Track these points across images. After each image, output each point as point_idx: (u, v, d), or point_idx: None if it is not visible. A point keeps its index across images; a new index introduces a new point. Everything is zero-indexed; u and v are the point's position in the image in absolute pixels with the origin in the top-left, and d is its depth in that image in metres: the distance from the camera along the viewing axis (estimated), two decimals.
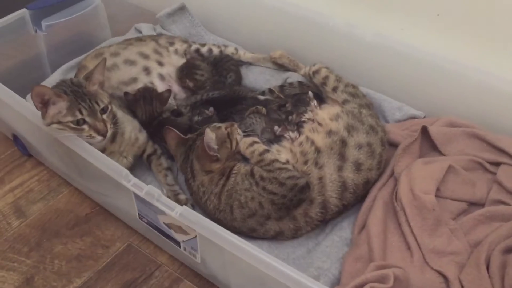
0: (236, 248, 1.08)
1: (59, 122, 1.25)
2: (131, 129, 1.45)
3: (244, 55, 1.83)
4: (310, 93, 1.60)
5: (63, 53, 1.83)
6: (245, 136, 1.40)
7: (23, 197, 1.53)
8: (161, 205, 1.17)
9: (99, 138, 1.28)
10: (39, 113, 1.29)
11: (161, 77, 1.63)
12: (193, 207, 1.38)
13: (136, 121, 1.50)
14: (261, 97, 1.64)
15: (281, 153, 1.37)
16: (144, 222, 1.31)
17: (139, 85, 1.58)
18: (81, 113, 1.26)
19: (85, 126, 1.27)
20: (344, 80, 1.56)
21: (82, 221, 1.46)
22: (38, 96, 1.23)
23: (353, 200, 1.33)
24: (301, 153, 1.37)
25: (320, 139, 1.38)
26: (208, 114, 1.55)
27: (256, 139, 1.38)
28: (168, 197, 1.33)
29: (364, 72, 1.64)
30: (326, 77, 1.57)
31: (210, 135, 1.26)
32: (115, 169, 1.22)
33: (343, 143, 1.35)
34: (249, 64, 1.83)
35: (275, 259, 1.04)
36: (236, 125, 1.40)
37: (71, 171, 1.52)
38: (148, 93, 1.54)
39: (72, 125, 1.25)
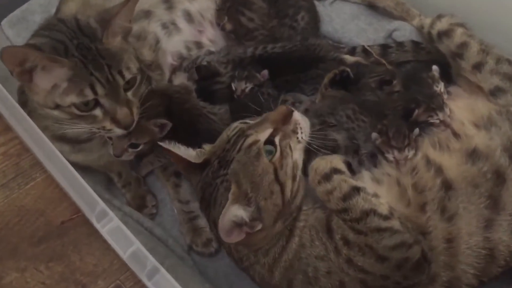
0: None
1: (56, 106, 0.82)
2: None
3: None
4: (435, 68, 1.01)
5: None
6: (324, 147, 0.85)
7: None
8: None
9: (118, 131, 0.86)
10: None
11: (188, 16, 1.14)
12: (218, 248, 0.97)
13: None
14: (350, 59, 1.14)
15: (380, 193, 0.82)
16: None
17: (152, 23, 1.09)
18: (93, 90, 0.80)
19: (98, 113, 0.83)
20: (495, 51, 1.00)
21: (54, 234, 1.03)
22: (13, 63, 0.80)
23: (499, 274, 0.84)
24: (415, 188, 0.83)
25: (454, 165, 0.84)
26: (259, 79, 1.08)
27: (339, 162, 0.84)
28: (181, 222, 0.98)
29: None
30: (464, 45, 1.01)
31: (231, 214, 0.71)
32: (87, 198, 0.69)
33: (500, 177, 0.82)
34: None
35: None
36: (296, 115, 0.81)
37: None
38: None
39: (76, 111, 0.82)
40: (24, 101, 0.92)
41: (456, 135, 0.87)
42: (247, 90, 1.03)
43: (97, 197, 0.68)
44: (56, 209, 1.06)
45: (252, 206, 0.73)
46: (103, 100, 0.80)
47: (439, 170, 0.83)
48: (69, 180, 0.71)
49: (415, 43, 1.14)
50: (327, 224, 0.78)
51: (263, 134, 0.77)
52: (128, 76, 0.82)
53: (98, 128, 0.83)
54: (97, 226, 0.67)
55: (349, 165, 0.87)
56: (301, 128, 0.80)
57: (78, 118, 0.81)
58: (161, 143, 0.81)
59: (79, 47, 0.80)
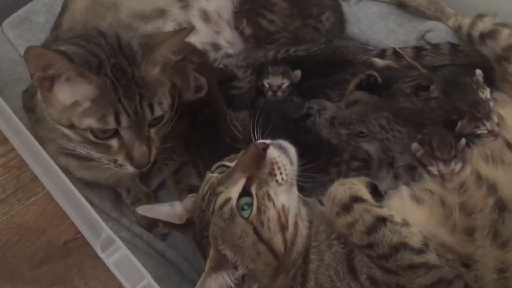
0: None
1: (71, 125, 0.72)
2: None
3: None
4: (479, 72, 0.91)
5: None
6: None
7: None
8: None
9: (130, 169, 0.76)
10: None
11: (205, 15, 1.06)
12: None
13: None
14: (380, 62, 1.05)
15: (421, 215, 0.71)
16: None
17: (167, 23, 1.01)
18: (117, 119, 0.70)
19: (113, 143, 0.74)
20: None
21: (56, 255, 0.93)
22: (36, 65, 0.70)
23: None
24: (463, 208, 0.72)
25: (509, 182, 0.74)
26: (293, 79, 0.99)
27: (360, 187, 0.72)
28: None
29: None
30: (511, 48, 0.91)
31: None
32: (91, 222, 0.59)
33: None
34: None
35: None
36: (271, 153, 0.67)
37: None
38: None
39: (91, 136, 0.72)
40: (31, 107, 0.83)
41: (510, 146, 0.76)
42: (284, 86, 0.93)
43: (102, 222, 0.58)
44: (59, 227, 0.95)
45: (240, 269, 0.62)
46: (123, 132, 0.71)
47: (492, 187, 0.72)
48: (70, 201, 0.62)
49: (452, 45, 1.03)
50: (348, 263, 0.66)
51: (235, 189, 0.65)
52: (158, 112, 0.73)
53: (109, 160, 0.73)
54: (102, 256, 0.58)
55: (374, 188, 0.75)
56: (279, 168, 0.66)
57: (90, 144, 0.72)
58: (138, 210, 0.71)
59: (115, 67, 0.70)
